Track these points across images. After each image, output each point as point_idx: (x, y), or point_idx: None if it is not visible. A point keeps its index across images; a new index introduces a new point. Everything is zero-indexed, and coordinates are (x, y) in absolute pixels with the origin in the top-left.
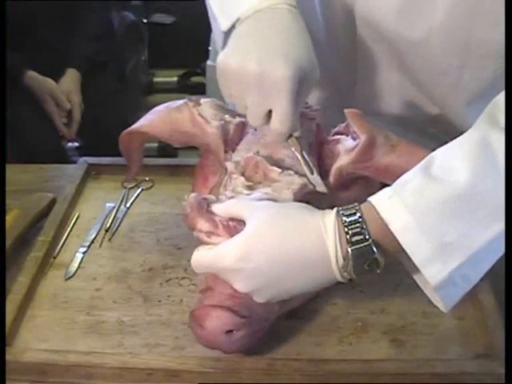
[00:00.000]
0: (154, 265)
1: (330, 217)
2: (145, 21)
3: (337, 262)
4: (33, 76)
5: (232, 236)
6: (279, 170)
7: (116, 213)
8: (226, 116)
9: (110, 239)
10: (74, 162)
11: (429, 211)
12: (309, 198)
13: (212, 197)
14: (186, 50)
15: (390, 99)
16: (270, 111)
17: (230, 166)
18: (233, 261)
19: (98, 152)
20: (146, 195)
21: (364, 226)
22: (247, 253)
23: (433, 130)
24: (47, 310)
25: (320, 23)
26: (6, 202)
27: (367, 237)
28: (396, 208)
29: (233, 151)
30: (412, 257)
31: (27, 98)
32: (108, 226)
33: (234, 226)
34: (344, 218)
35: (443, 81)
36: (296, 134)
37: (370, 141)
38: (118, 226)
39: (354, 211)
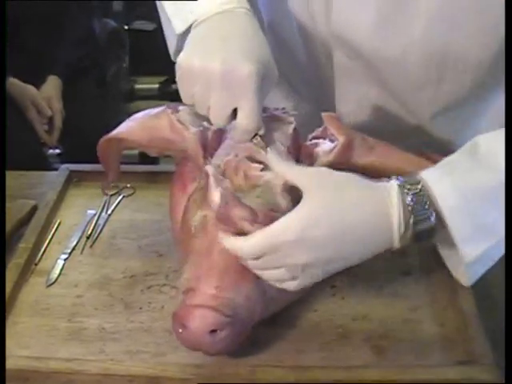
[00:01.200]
0: (135, 272)
1: (393, 187)
2: (126, 27)
3: (399, 230)
4: (14, 83)
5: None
6: (260, 166)
7: (97, 220)
8: (205, 123)
9: (91, 246)
10: (56, 169)
11: (475, 194)
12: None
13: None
14: (168, 56)
15: (370, 113)
16: (235, 110)
17: (210, 169)
18: (298, 230)
19: (80, 159)
20: (128, 202)
21: (426, 201)
22: (313, 221)
23: (414, 142)
24: (28, 317)
25: (298, 41)
26: None
27: (426, 207)
28: (447, 188)
29: (211, 157)
30: (455, 234)
31: (8, 104)
32: (89, 232)
33: (272, 214)
34: (407, 190)
35: (421, 94)
36: (261, 132)
37: (347, 142)
38: (100, 233)
39: (416, 182)
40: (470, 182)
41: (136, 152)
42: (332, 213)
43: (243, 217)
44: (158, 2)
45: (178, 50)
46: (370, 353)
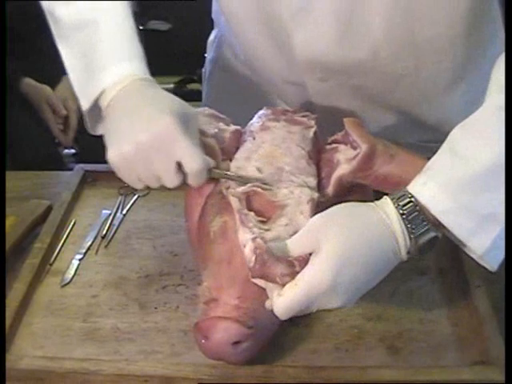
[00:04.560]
0: (150, 272)
1: (389, 208)
2: (141, 28)
3: (406, 247)
4: (29, 83)
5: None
6: (277, 197)
7: (112, 220)
8: (221, 124)
9: (106, 246)
10: (71, 169)
11: (463, 190)
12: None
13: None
14: (182, 56)
15: None
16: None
17: (233, 202)
18: (330, 281)
19: (95, 159)
20: (143, 202)
21: (421, 213)
22: (340, 268)
23: (410, 141)
24: (43, 317)
25: (272, 69)
26: None
27: (425, 223)
28: (433, 194)
29: (230, 160)
30: (456, 235)
31: (23, 104)
32: (104, 232)
33: (307, 256)
34: (400, 207)
35: (401, 85)
36: (212, 164)
37: (370, 150)
38: (115, 233)
39: (405, 196)
40: (454, 179)
41: None
42: (351, 255)
43: (282, 273)
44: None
45: (89, 122)
46: (385, 353)
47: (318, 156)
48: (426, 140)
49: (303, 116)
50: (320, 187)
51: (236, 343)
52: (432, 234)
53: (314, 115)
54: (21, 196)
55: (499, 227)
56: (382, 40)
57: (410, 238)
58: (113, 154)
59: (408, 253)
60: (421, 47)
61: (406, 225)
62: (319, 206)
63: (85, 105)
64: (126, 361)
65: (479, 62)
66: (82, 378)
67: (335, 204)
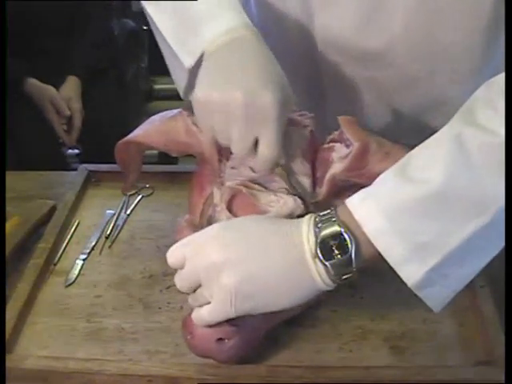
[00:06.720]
0: (154, 272)
1: (307, 216)
2: (145, 28)
3: (308, 242)
4: (33, 83)
5: None
6: (260, 202)
7: (116, 220)
8: None
9: (110, 246)
10: (75, 169)
11: (402, 212)
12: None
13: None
14: None
15: (363, 116)
16: (256, 141)
17: (215, 194)
18: (215, 229)
19: (99, 159)
20: (147, 202)
21: (334, 216)
22: (227, 225)
23: (412, 142)
24: (47, 317)
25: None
26: (6, 209)
27: (334, 219)
28: (369, 210)
29: (227, 160)
30: (387, 258)
31: (28, 105)
32: (108, 233)
33: None
34: (317, 215)
35: (414, 88)
36: (282, 161)
37: (362, 148)
38: (119, 233)
39: (327, 211)
40: (394, 200)
41: (155, 152)
42: (242, 223)
43: None
44: (158, 39)
45: (190, 85)
46: (389, 353)
47: (314, 155)
48: None
49: (299, 115)
50: (315, 187)
51: (220, 340)
52: (338, 234)
53: (311, 114)
54: (25, 196)
55: (436, 260)
56: (400, 35)
57: (324, 256)
58: (202, 93)
59: (322, 262)
60: (437, 52)
61: (314, 227)
62: (314, 207)
63: (188, 62)
64: (130, 361)
65: (494, 75)
66: (87, 377)
67: (331, 204)
